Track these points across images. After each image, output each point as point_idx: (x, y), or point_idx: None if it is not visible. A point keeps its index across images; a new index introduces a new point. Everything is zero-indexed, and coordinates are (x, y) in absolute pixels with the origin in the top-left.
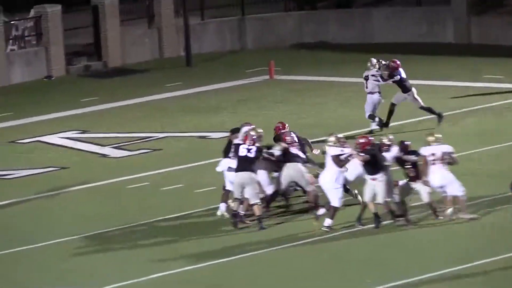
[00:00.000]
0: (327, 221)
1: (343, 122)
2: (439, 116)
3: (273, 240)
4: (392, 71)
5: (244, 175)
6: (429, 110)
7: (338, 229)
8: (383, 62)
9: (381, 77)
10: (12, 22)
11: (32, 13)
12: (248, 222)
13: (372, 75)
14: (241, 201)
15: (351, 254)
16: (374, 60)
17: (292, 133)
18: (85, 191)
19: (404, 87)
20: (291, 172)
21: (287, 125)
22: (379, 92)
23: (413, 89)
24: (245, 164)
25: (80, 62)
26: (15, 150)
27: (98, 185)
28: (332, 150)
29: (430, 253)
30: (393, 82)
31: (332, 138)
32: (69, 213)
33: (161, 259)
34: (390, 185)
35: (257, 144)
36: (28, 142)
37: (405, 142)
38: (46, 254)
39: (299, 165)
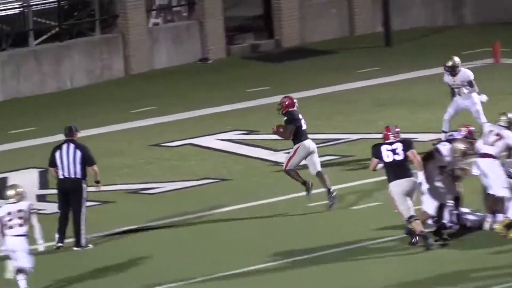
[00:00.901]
0: None
1: None
2: None
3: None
4: None
5: (397, 184)
6: None
7: None
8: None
9: None
10: None
11: None
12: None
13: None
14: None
15: None
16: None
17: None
18: (252, 210)
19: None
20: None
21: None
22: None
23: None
24: (396, 170)
25: (245, 41)
26: (160, 156)
27: (269, 203)
28: None
29: None
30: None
31: None
32: (232, 239)
33: None
34: None
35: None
36: (177, 146)
37: None
38: None
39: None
